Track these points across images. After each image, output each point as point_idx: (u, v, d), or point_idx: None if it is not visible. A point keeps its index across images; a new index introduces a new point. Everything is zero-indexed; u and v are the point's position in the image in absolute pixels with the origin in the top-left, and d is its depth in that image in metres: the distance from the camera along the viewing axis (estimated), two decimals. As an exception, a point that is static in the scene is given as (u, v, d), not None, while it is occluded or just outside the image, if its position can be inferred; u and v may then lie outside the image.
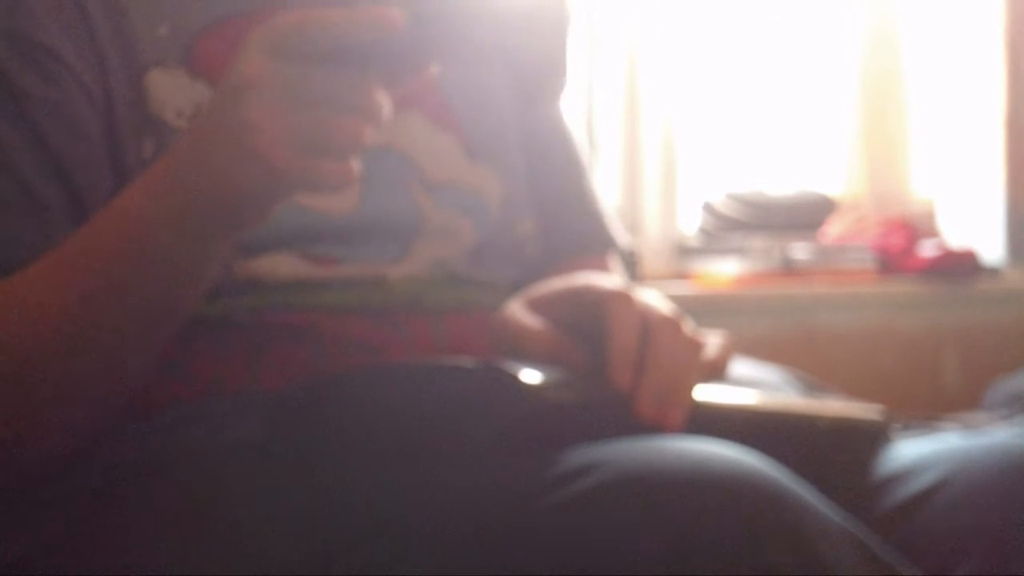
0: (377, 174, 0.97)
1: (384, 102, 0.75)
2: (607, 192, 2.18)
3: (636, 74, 2.17)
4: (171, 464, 0.87)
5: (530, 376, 0.76)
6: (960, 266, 2.17)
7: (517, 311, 0.84)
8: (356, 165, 0.75)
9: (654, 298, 0.82)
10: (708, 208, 2.20)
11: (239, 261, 0.92)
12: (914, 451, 0.95)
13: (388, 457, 0.76)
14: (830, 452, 0.77)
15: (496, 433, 0.75)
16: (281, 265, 0.93)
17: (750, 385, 0.93)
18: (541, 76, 1.11)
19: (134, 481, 0.87)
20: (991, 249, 2.23)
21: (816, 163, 2.35)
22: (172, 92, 0.93)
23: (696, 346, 0.79)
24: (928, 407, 1.73)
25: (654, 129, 2.17)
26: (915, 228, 2.26)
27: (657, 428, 0.75)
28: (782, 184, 2.26)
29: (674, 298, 1.70)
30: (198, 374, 0.91)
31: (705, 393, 0.81)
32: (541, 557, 0.68)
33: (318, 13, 0.74)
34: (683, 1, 2.19)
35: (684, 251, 2.18)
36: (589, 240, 1.17)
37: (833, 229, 2.23)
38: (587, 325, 0.80)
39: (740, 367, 0.96)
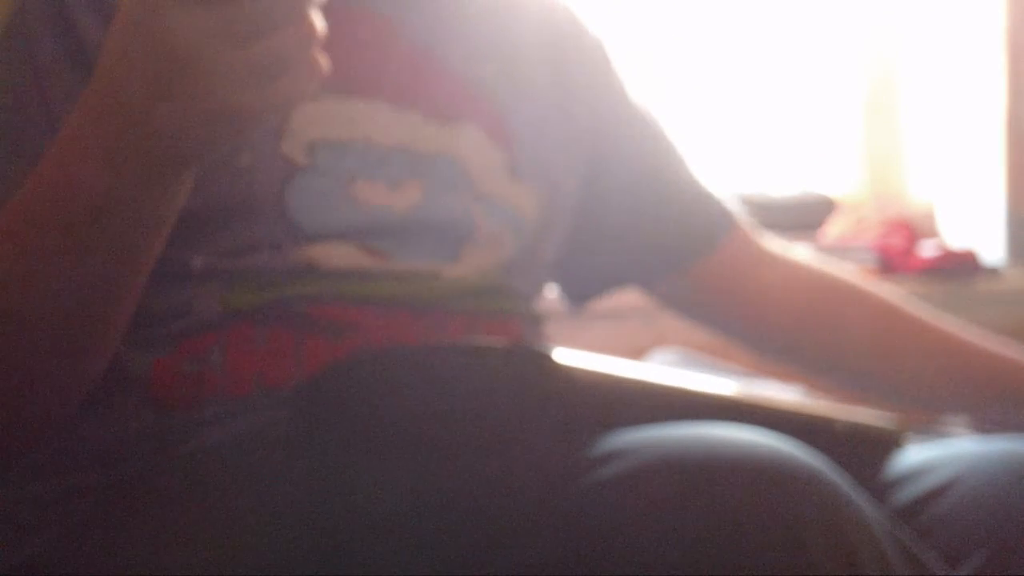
0: (439, 177, 0.98)
1: None
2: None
3: (636, 74, 2.17)
4: (177, 463, 0.88)
5: (563, 356, 0.75)
6: (960, 266, 2.17)
7: None
8: (322, 60, 0.68)
9: None
10: (709, 208, 2.20)
11: (295, 247, 0.92)
12: (923, 454, 0.96)
13: (415, 440, 0.74)
14: (844, 455, 0.77)
15: (528, 411, 0.74)
16: (336, 254, 0.93)
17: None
18: None
19: (138, 480, 0.88)
20: (991, 249, 2.23)
21: (817, 164, 2.35)
22: None
23: None
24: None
25: (655, 129, 2.17)
26: (915, 229, 2.27)
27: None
28: (783, 184, 2.26)
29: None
30: (239, 369, 0.90)
31: (722, 387, 0.82)
32: (575, 539, 0.67)
33: None
34: (684, 2, 2.19)
35: (685, 251, 2.18)
36: (711, 229, 1.21)
37: (834, 229, 2.23)
38: None
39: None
